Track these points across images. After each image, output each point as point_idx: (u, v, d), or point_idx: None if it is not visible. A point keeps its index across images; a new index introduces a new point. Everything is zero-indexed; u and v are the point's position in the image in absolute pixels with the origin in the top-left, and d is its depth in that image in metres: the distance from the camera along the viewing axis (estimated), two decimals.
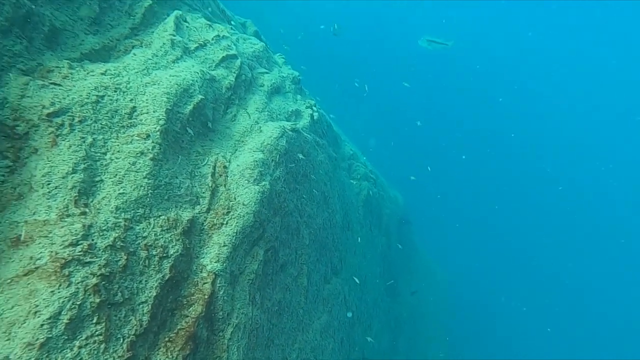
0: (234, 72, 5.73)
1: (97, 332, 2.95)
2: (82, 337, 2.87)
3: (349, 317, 7.13)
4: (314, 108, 8.03)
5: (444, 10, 44.41)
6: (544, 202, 38.33)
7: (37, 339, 2.66)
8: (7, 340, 2.64)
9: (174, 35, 5.26)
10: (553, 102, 44.70)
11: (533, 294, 30.94)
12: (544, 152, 41.65)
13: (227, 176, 4.65)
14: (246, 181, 4.68)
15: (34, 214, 3.20)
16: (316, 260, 6.23)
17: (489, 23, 45.89)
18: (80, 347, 2.83)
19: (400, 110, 33.19)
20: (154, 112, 4.13)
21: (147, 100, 4.18)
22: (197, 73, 4.89)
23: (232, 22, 8.74)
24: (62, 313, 2.82)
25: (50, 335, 2.72)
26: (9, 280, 2.89)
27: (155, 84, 4.36)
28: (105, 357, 2.93)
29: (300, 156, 6.04)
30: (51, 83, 3.79)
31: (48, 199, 3.29)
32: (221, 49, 5.86)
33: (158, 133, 4.04)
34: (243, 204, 4.48)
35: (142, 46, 5.07)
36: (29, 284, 2.87)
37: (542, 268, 33.22)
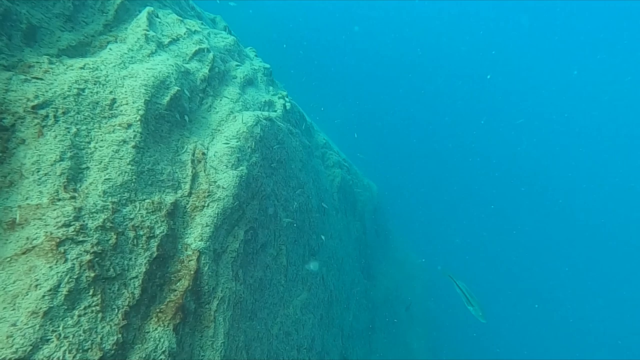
0: (207, 65, 5.98)
1: (94, 303, 3.21)
2: (80, 307, 3.13)
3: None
4: (286, 99, 8.34)
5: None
6: (521, 193, 39.67)
7: (41, 308, 2.91)
8: (12, 310, 2.88)
9: (148, 31, 5.47)
10: (529, 94, 46.38)
11: (508, 286, 31.80)
12: (518, 141, 43.13)
13: (206, 162, 4.92)
14: (224, 166, 4.97)
15: (26, 199, 3.42)
16: (294, 242, 6.57)
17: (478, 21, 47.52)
18: (79, 316, 3.09)
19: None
20: (133, 103, 4.36)
21: (126, 92, 4.41)
22: (172, 66, 5.13)
23: (202, 18, 8.93)
24: (61, 286, 3.07)
25: (52, 305, 2.97)
26: (8, 259, 3.11)
27: (132, 77, 4.58)
28: (102, 325, 3.20)
29: (275, 143, 6.35)
30: (33, 77, 3.98)
31: (39, 185, 3.51)
32: (193, 43, 6.09)
33: (138, 122, 4.28)
34: (223, 188, 4.77)
35: (117, 41, 5.27)
36: (27, 261, 3.11)
37: (517, 262, 34.21)
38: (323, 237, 7.65)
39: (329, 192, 9.43)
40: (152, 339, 3.53)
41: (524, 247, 35.93)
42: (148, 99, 4.48)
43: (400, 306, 15.33)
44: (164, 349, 3.55)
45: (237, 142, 5.32)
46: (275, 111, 7.34)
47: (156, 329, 3.61)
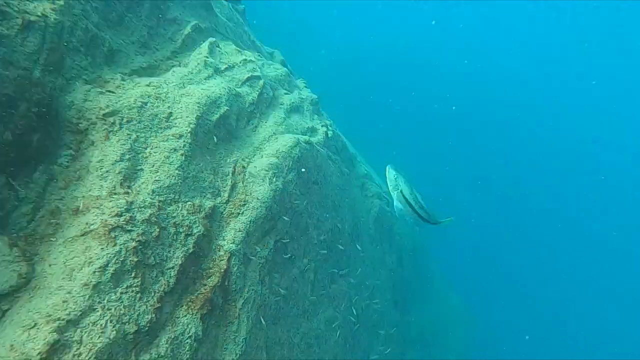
0: (257, 90, 6.59)
1: (134, 284, 3.68)
2: (123, 285, 3.60)
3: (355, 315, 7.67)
4: (329, 127, 8.82)
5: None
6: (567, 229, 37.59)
7: (91, 282, 3.42)
8: (69, 280, 3.40)
9: (207, 57, 6.19)
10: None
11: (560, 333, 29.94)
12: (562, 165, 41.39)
13: (245, 175, 5.42)
14: (261, 180, 5.44)
15: (89, 190, 4.02)
16: (323, 260, 6.85)
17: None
18: (122, 293, 3.56)
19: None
20: (186, 117, 4.97)
21: (181, 107, 5.04)
22: (225, 88, 5.76)
23: (260, 51, 9.77)
24: (109, 265, 3.57)
25: (100, 280, 3.46)
26: (70, 239, 3.68)
27: (189, 95, 5.22)
28: (140, 304, 3.65)
29: (312, 165, 6.78)
30: (107, 91, 4.70)
31: (100, 180, 4.11)
32: (247, 71, 6.76)
33: (189, 134, 4.87)
34: (257, 199, 5.22)
35: (180, 66, 6.01)
36: (85, 241, 3.65)
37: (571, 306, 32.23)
38: (359, 247, 7.82)
39: (365, 220, 9.66)
40: (181, 324, 3.94)
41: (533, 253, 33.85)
42: (199, 115, 5.08)
43: (436, 347, 14.87)
44: (190, 334, 3.93)
45: (275, 159, 5.80)
46: (317, 137, 7.81)
47: (185, 315, 4.02)
